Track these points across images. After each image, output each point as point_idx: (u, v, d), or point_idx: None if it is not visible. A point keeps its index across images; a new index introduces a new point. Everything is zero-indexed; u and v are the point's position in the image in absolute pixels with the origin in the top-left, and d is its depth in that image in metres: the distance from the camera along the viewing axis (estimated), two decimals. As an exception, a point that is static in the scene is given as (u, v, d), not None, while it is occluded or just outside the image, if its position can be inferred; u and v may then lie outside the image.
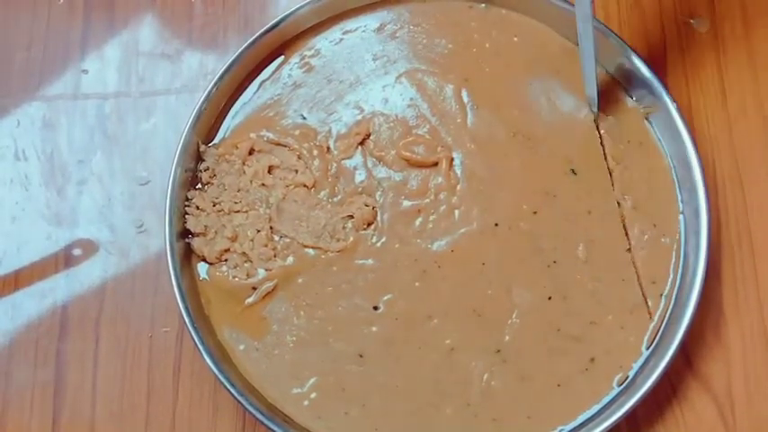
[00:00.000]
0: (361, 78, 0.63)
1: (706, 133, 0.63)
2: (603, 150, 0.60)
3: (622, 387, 0.56)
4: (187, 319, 0.55)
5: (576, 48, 0.63)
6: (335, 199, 0.60)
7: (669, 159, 0.60)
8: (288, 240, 0.59)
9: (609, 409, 0.54)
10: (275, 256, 0.59)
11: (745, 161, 0.62)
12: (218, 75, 0.60)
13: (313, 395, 0.56)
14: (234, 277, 0.58)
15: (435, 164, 0.60)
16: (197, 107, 0.59)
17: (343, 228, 0.59)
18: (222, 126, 0.62)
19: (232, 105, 0.62)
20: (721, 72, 0.64)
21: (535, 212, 0.59)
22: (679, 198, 0.59)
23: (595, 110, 0.60)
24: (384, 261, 0.58)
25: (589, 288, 0.57)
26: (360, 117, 0.62)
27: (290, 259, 0.58)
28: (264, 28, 0.61)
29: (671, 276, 0.58)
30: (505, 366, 0.56)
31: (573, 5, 0.61)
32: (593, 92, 0.59)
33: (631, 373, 0.56)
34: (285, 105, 0.62)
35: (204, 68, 0.66)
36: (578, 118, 0.61)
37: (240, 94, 0.63)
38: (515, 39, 0.63)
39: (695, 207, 0.57)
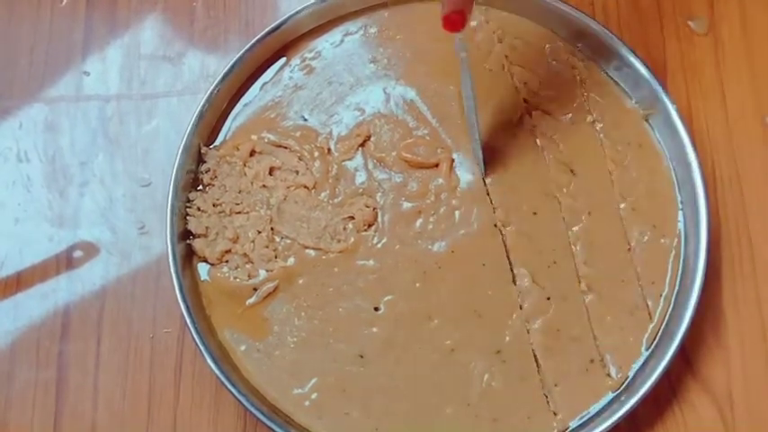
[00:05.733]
0: (361, 80, 0.63)
1: (705, 134, 0.63)
2: (603, 151, 0.61)
3: (622, 387, 0.56)
4: (188, 320, 0.55)
5: (574, 49, 0.63)
6: (336, 200, 0.60)
7: (668, 160, 0.60)
8: (289, 241, 0.59)
9: (609, 409, 0.55)
10: (276, 257, 0.59)
11: (745, 162, 0.62)
12: (220, 77, 0.61)
13: (314, 395, 0.56)
14: (235, 278, 0.58)
15: (436, 165, 0.60)
16: (198, 109, 0.60)
17: (344, 229, 0.59)
18: (223, 128, 0.62)
19: (233, 107, 0.63)
20: (720, 73, 0.64)
21: (535, 213, 0.59)
22: (678, 199, 0.59)
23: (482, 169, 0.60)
24: (384, 262, 0.58)
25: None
26: (360, 119, 0.62)
27: (291, 260, 0.59)
28: (265, 30, 0.62)
29: (670, 277, 0.58)
30: (505, 366, 0.56)
31: (572, 7, 0.62)
32: (478, 152, 0.59)
33: (631, 374, 0.56)
34: (286, 107, 0.63)
35: (206, 70, 0.66)
36: (578, 119, 0.61)
37: (241, 96, 0.63)
38: (515, 41, 0.63)
39: (695, 208, 0.57)
